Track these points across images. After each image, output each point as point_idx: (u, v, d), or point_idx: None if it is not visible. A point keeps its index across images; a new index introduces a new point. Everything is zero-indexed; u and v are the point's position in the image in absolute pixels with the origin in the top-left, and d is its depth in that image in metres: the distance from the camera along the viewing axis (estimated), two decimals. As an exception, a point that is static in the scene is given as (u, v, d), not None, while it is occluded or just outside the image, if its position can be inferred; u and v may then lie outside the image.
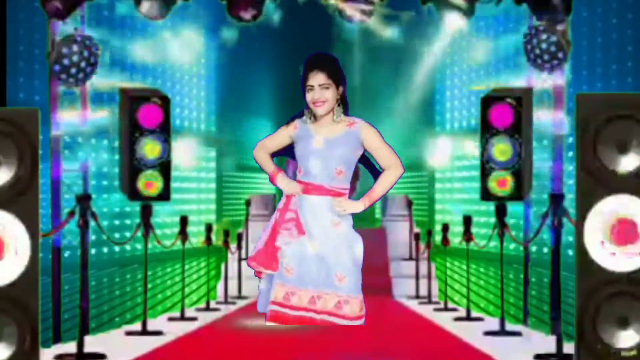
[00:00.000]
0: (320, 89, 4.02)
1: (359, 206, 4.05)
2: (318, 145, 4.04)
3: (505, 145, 7.17)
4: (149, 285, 8.30)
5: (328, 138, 4.04)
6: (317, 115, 4.08)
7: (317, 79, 4.02)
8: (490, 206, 11.25)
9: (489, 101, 7.24)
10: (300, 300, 4.02)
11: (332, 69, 4.05)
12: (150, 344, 6.65)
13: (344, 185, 4.07)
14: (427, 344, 6.98)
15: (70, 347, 6.32)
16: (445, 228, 9.46)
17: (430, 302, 9.92)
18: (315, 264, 4.02)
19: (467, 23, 7.98)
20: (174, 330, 7.38)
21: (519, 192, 7.23)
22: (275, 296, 4.05)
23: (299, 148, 4.10)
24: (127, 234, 15.56)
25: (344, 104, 4.11)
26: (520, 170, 7.19)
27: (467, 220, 8.39)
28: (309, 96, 4.04)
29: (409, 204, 12.43)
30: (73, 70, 7.25)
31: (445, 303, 9.36)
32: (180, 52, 18.28)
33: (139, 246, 14.91)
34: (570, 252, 4.78)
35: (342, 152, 4.02)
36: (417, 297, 10.37)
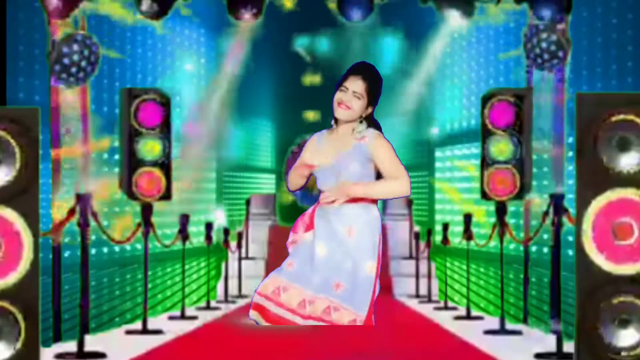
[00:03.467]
0: (352, 95, 3.88)
1: (350, 188, 3.84)
2: (327, 162, 3.93)
3: (505, 144, 7.18)
4: (149, 285, 8.31)
5: (338, 154, 3.91)
6: (338, 120, 3.95)
7: (355, 85, 3.89)
8: (490, 206, 11.24)
9: (489, 100, 7.25)
10: (289, 299, 3.86)
11: (374, 84, 3.91)
12: (150, 343, 6.65)
13: None
14: (427, 342, 6.98)
15: (70, 346, 6.32)
16: (446, 227, 9.47)
17: (430, 301, 9.93)
18: (318, 266, 3.87)
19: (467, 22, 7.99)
20: (174, 329, 7.39)
21: (519, 192, 7.24)
22: (263, 288, 3.91)
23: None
24: (127, 234, 15.54)
25: (374, 126, 3.95)
26: (520, 169, 7.20)
27: (468, 219, 8.40)
28: (338, 95, 3.91)
29: (409, 203, 12.44)
30: (73, 70, 7.26)
31: (445, 302, 9.37)
32: (180, 52, 18.31)
33: (139, 246, 14.91)
34: (570, 252, 4.78)
35: (352, 169, 3.89)
36: (417, 296, 10.38)
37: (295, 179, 4.06)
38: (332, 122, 4.00)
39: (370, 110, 3.93)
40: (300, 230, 4.01)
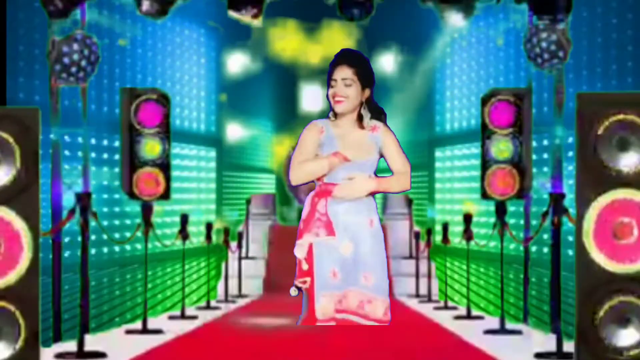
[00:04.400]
0: (342, 84, 3.77)
1: (368, 184, 3.78)
2: (363, 157, 3.83)
3: (505, 144, 7.19)
4: (149, 286, 8.31)
5: (355, 148, 3.81)
6: (337, 114, 3.84)
7: (342, 73, 3.78)
8: (490, 206, 11.26)
9: (488, 100, 7.26)
10: (325, 308, 3.79)
11: (361, 66, 3.80)
12: (150, 342, 6.65)
13: None
14: (427, 342, 6.98)
15: (70, 346, 6.32)
16: (445, 227, 9.48)
17: (430, 300, 9.94)
18: (350, 265, 3.81)
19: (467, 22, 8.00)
20: (174, 329, 7.39)
21: (519, 191, 7.25)
22: (326, 311, 3.79)
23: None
24: (127, 234, 15.57)
25: (376, 110, 3.88)
26: (520, 168, 7.20)
27: (468, 219, 8.40)
28: (331, 91, 3.81)
29: (409, 202, 12.45)
30: (73, 69, 7.26)
31: (445, 302, 9.37)
32: (180, 52, 18.31)
33: (139, 246, 14.92)
34: (571, 252, 4.78)
35: (371, 161, 3.83)
36: (417, 295, 10.38)
37: (313, 171, 3.81)
38: (330, 114, 3.89)
39: (368, 92, 3.84)
40: (321, 232, 3.80)
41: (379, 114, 3.91)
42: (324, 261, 3.81)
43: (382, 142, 3.86)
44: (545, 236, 7.73)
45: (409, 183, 3.89)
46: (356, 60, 3.82)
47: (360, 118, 3.87)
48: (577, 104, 4.19)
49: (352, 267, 3.83)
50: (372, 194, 3.89)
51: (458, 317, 8.33)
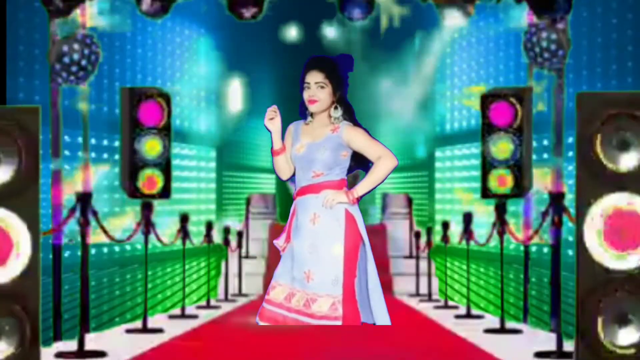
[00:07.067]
0: (315, 87, 4.05)
1: (342, 197, 4.03)
2: (298, 152, 4.14)
3: (505, 143, 7.19)
4: (149, 286, 8.31)
5: (310, 143, 4.10)
6: (312, 114, 4.14)
7: (314, 77, 4.06)
8: (490, 206, 11.25)
9: (488, 99, 7.26)
10: (276, 295, 4.05)
11: (331, 71, 4.08)
12: (150, 341, 6.66)
13: (324, 180, 4.08)
14: (427, 341, 6.99)
15: (71, 345, 6.32)
16: (446, 226, 9.47)
17: (430, 299, 9.94)
18: (291, 260, 4.06)
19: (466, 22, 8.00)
20: (174, 328, 7.39)
21: (519, 190, 7.25)
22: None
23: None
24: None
25: (346, 110, 4.12)
26: (520, 168, 7.20)
27: (468, 218, 8.40)
28: (305, 94, 4.10)
29: (410, 202, 12.45)
30: (74, 69, 7.26)
31: (446, 301, 9.37)
32: (180, 52, 18.31)
33: (139, 246, 14.91)
34: (571, 252, 4.78)
35: (322, 157, 4.06)
36: (418, 294, 10.38)
37: (277, 163, 4.31)
38: (309, 115, 4.17)
39: (339, 94, 4.09)
40: (282, 238, 4.19)
41: (349, 114, 4.14)
42: (285, 256, 4.14)
43: (346, 140, 4.07)
44: (546, 236, 7.73)
45: (393, 162, 4.05)
46: (327, 65, 4.11)
47: (330, 117, 4.13)
48: (577, 103, 4.19)
49: (296, 263, 4.05)
50: (358, 198, 4.09)
51: (458, 317, 8.33)
